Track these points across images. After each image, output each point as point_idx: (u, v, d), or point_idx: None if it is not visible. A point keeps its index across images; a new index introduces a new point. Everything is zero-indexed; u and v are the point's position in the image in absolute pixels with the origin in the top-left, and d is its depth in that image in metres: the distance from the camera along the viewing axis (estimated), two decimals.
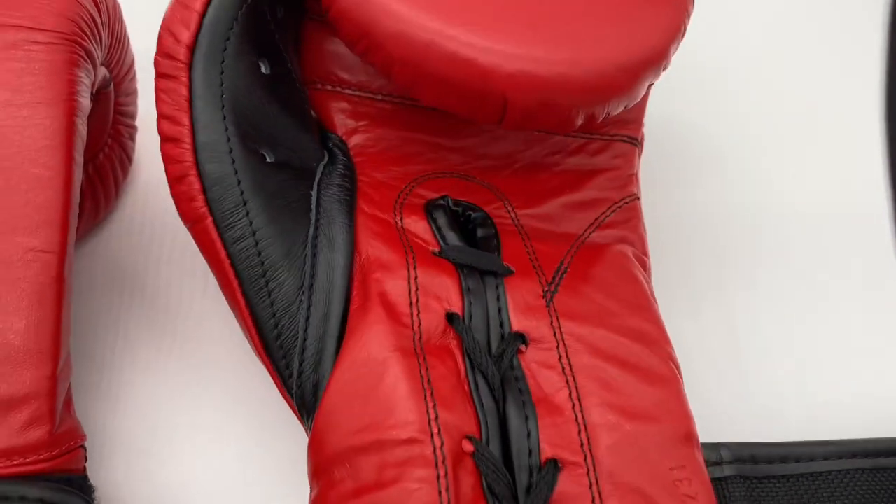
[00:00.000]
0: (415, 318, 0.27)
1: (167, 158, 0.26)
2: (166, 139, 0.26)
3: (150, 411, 0.30)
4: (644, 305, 0.29)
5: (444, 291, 0.27)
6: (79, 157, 0.27)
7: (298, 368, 0.26)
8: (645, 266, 0.32)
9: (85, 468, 0.25)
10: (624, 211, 0.33)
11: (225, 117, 0.26)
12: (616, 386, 0.26)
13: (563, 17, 0.27)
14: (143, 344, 0.32)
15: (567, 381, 0.26)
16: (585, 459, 0.25)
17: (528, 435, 0.25)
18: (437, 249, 0.29)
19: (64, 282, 0.25)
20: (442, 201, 0.30)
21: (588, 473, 0.25)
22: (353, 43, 0.27)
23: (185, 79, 0.26)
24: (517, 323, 0.27)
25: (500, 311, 0.28)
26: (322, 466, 0.25)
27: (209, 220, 0.26)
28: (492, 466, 0.24)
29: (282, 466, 0.30)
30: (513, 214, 0.31)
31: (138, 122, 0.36)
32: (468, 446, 0.24)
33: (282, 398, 0.28)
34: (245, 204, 0.26)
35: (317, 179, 0.29)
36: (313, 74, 0.31)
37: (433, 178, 0.31)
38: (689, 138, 0.41)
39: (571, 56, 0.26)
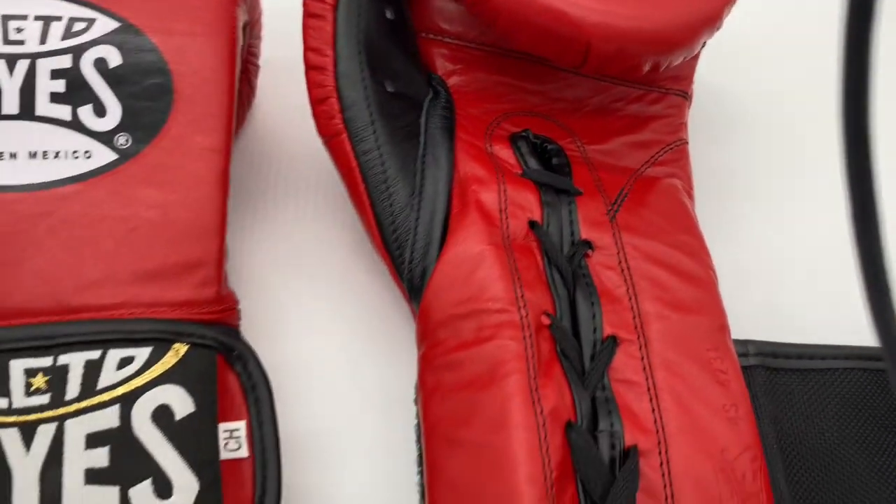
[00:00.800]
0: (504, 222, 0.33)
1: (312, 83, 0.33)
2: (312, 67, 0.33)
3: (269, 294, 0.37)
4: (689, 225, 0.35)
5: (527, 203, 0.34)
6: (236, 80, 0.33)
7: (410, 258, 0.33)
8: (691, 196, 0.38)
9: (239, 324, 0.32)
10: (674, 152, 0.39)
11: (360, 52, 0.33)
12: (664, 285, 0.32)
13: None
14: (264, 240, 0.38)
15: (625, 280, 0.33)
16: (638, 338, 0.31)
17: (593, 317, 0.31)
18: (520, 171, 0.35)
19: (228, 177, 0.32)
20: (524, 134, 0.36)
21: (640, 349, 0.31)
22: None
23: (330, 18, 0.32)
24: (585, 233, 0.34)
25: (571, 223, 0.34)
26: (429, 330, 0.31)
27: (344, 135, 0.33)
28: (565, 335, 0.30)
29: (380, 339, 0.36)
30: (582, 149, 0.37)
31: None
32: (546, 320, 0.31)
33: (382, 285, 0.34)
34: (373, 124, 0.33)
35: (424, 109, 0.35)
36: (421, 25, 0.37)
37: (517, 115, 0.37)
38: (726, 100, 0.47)
39: (644, 13, 0.32)
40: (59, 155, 0.30)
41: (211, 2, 0.32)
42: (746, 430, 0.30)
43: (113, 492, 0.26)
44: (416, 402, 0.32)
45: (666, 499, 0.28)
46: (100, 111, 0.30)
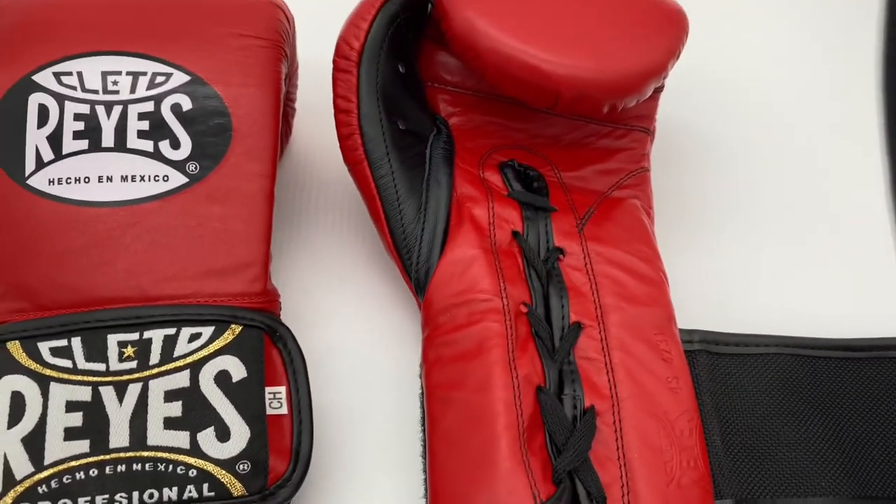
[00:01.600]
0: (492, 232, 0.41)
1: (340, 122, 0.41)
2: (340, 110, 0.41)
3: (303, 291, 0.45)
4: (645, 237, 0.43)
5: (511, 218, 0.42)
6: (279, 120, 0.42)
7: (416, 260, 0.41)
8: (649, 214, 0.46)
9: (280, 313, 0.40)
10: (637, 178, 0.47)
11: (378, 99, 0.41)
12: (621, 283, 0.40)
13: (596, 39, 0.41)
14: (299, 247, 0.47)
15: (589, 278, 0.40)
16: (599, 325, 0.39)
17: (563, 307, 0.39)
18: (506, 192, 0.43)
19: (273, 196, 0.40)
20: (511, 163, 0.45)
21: (600, 333, 0.39)
22: (461, 54, 0.41)
23: (355, 72, 0.41)
24: (558, 241, 0.41)
25: (546, 233, 0.42)
26: (431, 317, 0.39)
27: (365, 163, 0.41)
28: (538, 320, 0.38)
29: (391, 327, 0.44)
30: (558, 175, 0.45)
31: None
32: (524, 308, 0.38)
33: (393, 284, 0.42)
34: (388, 154, 0.41)
35: (429, 143, 0.44)
36: (427, 76, 0.46)
37: (505, 148, 0.45)
38: (689, 134, 0.55)
39: (602, 66, 0.40)
40: (144, 178, 0.38)
41: (260, 60, 0.41)
42: (685, 397, 0.37)
43: (185, 435, 0.34)
44: (420, 375, 0.39)
45: (617, 448, 0.35)
46: (175, 145, 0.39)
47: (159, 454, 0.34)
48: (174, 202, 0.38)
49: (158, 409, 0.34)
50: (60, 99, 0.38)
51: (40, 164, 0.37)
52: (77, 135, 0.38)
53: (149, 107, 0.39)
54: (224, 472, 0.34)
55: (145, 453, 0.34)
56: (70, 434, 0.34)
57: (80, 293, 0.37)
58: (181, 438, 0.34)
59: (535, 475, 0.33)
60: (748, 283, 0.48)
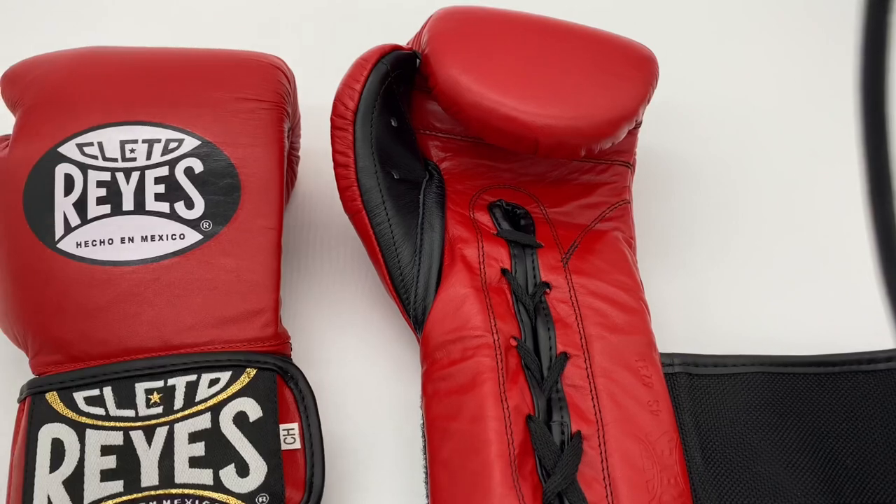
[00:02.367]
0: (482, 271, 0.44)
1: (339, 175, 0.45)
2: (338, 165, 0.45)
3: (312, 330, 0.48)
4: (626, 268, 0.46)
5: (499, 256, 0.45)
6: (285, 175, 0.45)
7: (414, 300, 0.44)
8: (631, 245, 0.49)
9: (291, 353, 0.43)
10: (618, 210, 0.50)
11: (373, 152, 0.44)
12: (604, 313, 0.43)
13: (570, 90, 0.44)
14: (306, 290, 0.50)
15: (574, 310, 0.43)
16: (584, 354, 0.42)
17: (550, 338, 0.42)
18: (495, 231, 0.46)
19: (280, 247, 0.44)
20: (499, 203, 0.48)
21: (585, 361, 0.42)
22: (447, 107, 0.45)
23: (350, 130, 0.44)
24: (544, 276, 0.45)
25: (533, 269, 0.45)
26: (428, 352, 0.42)
27: (363, 212, 0.44)
28: (527, 352, 0.41)
29: (393, 362, 0.47)
30: (544, 211, 0.48)
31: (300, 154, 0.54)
32: (513, 342, 0.42)
33: (394, 322, 0.46)
34: (384, 203, 0.45)
35: (422, 189, 0.47)
36: (418, 124, 0.49)
37: (493, 188, 0.49)
38: (670, 163, 0.58)
39: (577, 114, 0.43)
40: (163, 238, 0.42)
41: (264, 121, 0.45)
42: (666, 419, 0.41)
43: (208, 473, 0.38)
44: (420, 406, 0.43)
45: (603, 469, 0.39)
46: (189, 205, 0.42)
47: (186, 491, 0.37)
48: (190, 258, 0.42)
49: (184, 450, 0.38)
50: (84, 168, 0.42)
51: (68, 229, 0.41)
52: (100, 200, 0.42)
53: (164, 171, 0.43)
54: None
55: (174, 490, 0.37)
56: (106, 476, 0.37)
57: (110, 345, 0.40)
58: (205, 476, 0.38)
59: (525, 499, 0.36)
60: (728, 305, 0.51)
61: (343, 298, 0.50)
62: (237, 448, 0.38)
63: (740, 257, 0.53)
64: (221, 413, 0.39)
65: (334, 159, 0.45)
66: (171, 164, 0.43)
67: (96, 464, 0.37)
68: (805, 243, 0.54)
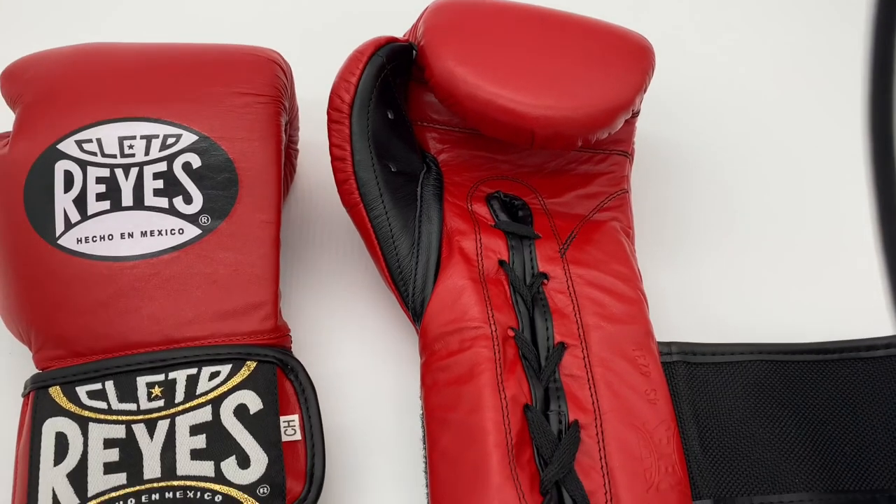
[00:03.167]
0: (480, 262, 0.44)
1: (336, 169, 0.45)
2: (335, 158, 0.45)
3: (312, 323, 0.48)
4: (624, 258, 0.46)
5: (497, 248, 0.45)
6: (282, 169, 0.46)
7: (412, 292, 0.44)
8: (629, 235, 0.49)
9: (291, 346, 0.44)
10: (616, 200, 0.50)
11: (370, 145, 0.45)
12: (602, 303, 0.43)
13: (566, 81, 0.44)
14: (306, 283, 0.50)
15: (572, 300, 0.44)
16: (581, 343, 0.42)
17: (547, 329, 0.42)
18: (493, 223, 0.46)
19: (279, 240, 0.44)
20: (497, 194, 0.48)
21: (582, 351, 0.42)
22: (443, 99, 0.45)
23: (347, 123, 0.44)
24: (542, 267, 0.45)
25: (531, 260, 0.45)
26: (427, 344, 0.42)
27: (361, 205, 0.45)
28: (524, 342, 0.41)
29: (393, 353, 0.48)
30: (542, 202, 0.49)
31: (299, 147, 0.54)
32: (510, 333, 0.42)
33: (393, 314, 0.46)
34: (381, 196, 0.45)
35: (420, 181, 0.47)
36: (415, 116, 0.50)
37: (491, 180, 0.49)
38: (668, 152, 0.58)
39: (572, 104, 0.43)
40: (162, 233, 0.42)
41: (261, 116, 0.45)
42: (663, 408, 0.41)
43: (210, 465, 0.38)
44: (420, 397, 0.43)
45: (600, 458, 0.39)
46: (188, 200, 0.43)
47: (188, 482, 0.38)
48: (189, 252, 0.42)
49: (185, 443, 0.38)
50: (83, 165, 0.42)
51: (68, 226, 0.42)
52: (100, 196, 0.42)
53: (162, 167, 0.43)
54: (246, 496, 0.38)
55: (176, 482, 0.38)
56: (109, 468, 0.38)
57: (111, 340, 0.41)
58: (207, 468, 0.38)
59: (523, 487, 0.37)
60: (725, 294, 0.51)
61: (342, 291, 0.51)
62: (238, 440, 0.39)
63: (738, 246, 0.53)
64: (222, 406, 0.39)
65: (331, 152, 0.45)
66: (170, 159, 0.43)
67: (99, 457, 0.38)
68: (803, 232, 0.54)
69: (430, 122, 0.50)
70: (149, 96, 0.44)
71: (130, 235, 0.42)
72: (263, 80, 0.46)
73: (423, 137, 0.49)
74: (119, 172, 0.43)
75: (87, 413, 0.39)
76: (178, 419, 0.39)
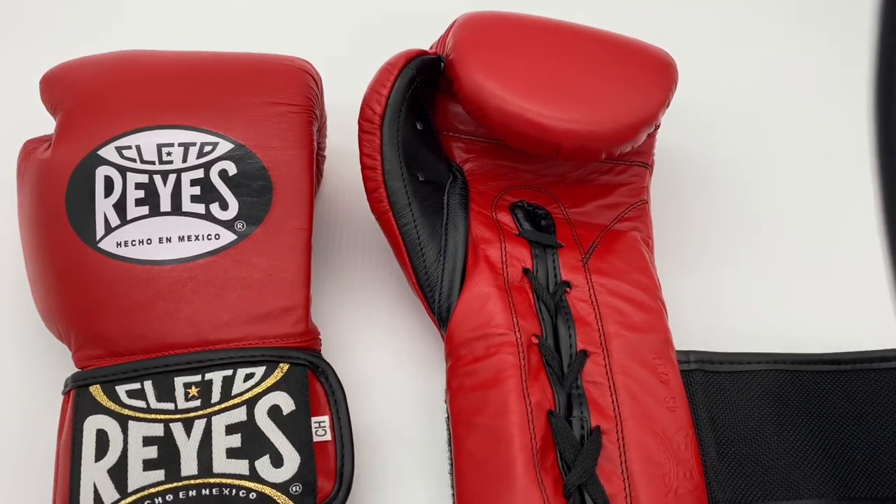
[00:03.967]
0: (504, 270, 0.46)
1: (366, 178, 0.46)
2: (366, 167, 0.46)
3: (337, 325, 0.50)
4: (644, 268, 0.47)
5: (521, 256, 0.46)
6: (314, 177, 0.47)
7: (438, 298, 0.45)
8: (649, 245, 0.50)
9: (321, 349, 0.45)
10: (637, 210, 0.51)
11: (399, 155, 0.46)
12: (623, 312, 0.45)
13: (591, 95, 0.45)
14: (331, 286, 0.52)
15: (594, 309, 0.45)
16: (603, 351, 0.43)
17: (570, 336, 0.44)
18: (517, 232, 0.48)
19: (310, 247, 0.45)
20: (520, 203, 0.49)
21: (604, 359, 0.43)
22: (471, 111, 0.46)
23: (378, 133, 0.46)
24: (565, 275, 0.46)
25: (554, 268, 0.47)
26: (453, 349, 0.44)
27: (390, 213, 0.46)
28: (548, 350, 0.43)
29: (418, 356, 0.49)
30: (564, 212, 0.50)
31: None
32: (534, 340, 0.43)
33: (418, 318, 0.47)
34: (410, 205, 0.46)
35: (446, 190, 0.48)
36: (442, 126, 0.51)
37: (514, 189, 0.50)
38: (688, 164, 0.59)
39: (597, 119, 0.45)
40: (199, 238, 0.44)
41: (293, 125, 0.46)
42: (682, 415, 0.42)
43: (245, 463, 0.40)
44: (445, 400, 0.44)
45: (621, 463, 0.40)
46: (224, 206, 0.44)
47: (224, 480, 0.39)
48: (225, 257, 0.44)
49: (221, 441, 0.40)
50: (123, 170, 0.44)
51: (108, 230, 0.43)
52: (139, 202, 0.43)
53: (199, 174, 0.44)
54: (279, 493, 0.39)
55: (212, 480, 0.39)
56: (148, 465, 0.39)
57: (149, 340, 0.42)
58: (242, 466, 0.39)
59: (547, 491, 0.38)
60: (741, 304, 0.52)
61: (368, 295, 0.52)
62: (272, 440, 0.40)
63: (753, 256, 0.54)
64: (256, 406, 0.41)
65: (362, 162, 0.46)
66: (206, 166, 0.44)
67: (139, 454, 0.39)
68: (818, 242, 0.55)
69: (456, 132, 0.51)
70: (186, 105, 0.46)
71: (168, 240, 0.43)
72: (296, 89, 0.47)
73: (449, 147, 0.51)
74: (157, 179, 0.44)
75: (126, 411, 0.40)
76: (215, 419, 0.40)
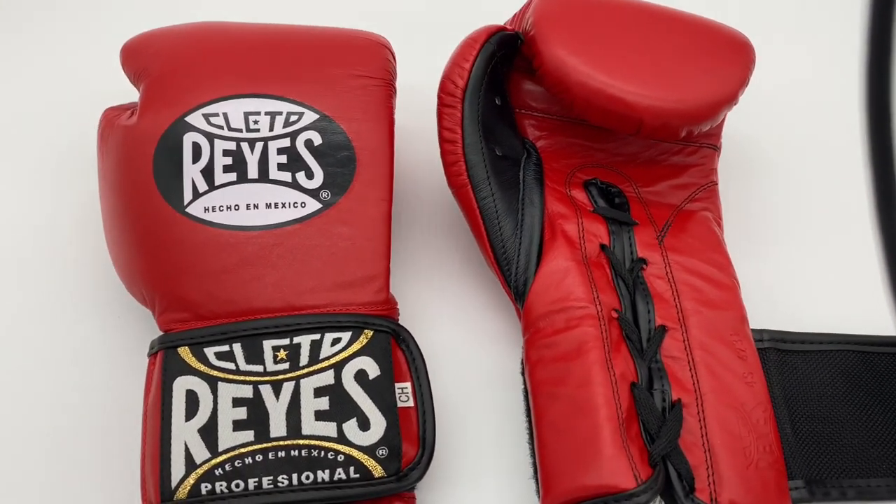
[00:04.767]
0: (582, 246, 0.46)
1: (446, 151, 0.47)
2: (445, 140, 0.47)
3: (412, 297, 0.50)
4: (717, 247, 0.48)
5: (598, 232, 0.47)
6: (394, 149, 0.48)
7: (515, 272, 0.46)
8: (720, 225, 0.50)
9: (399, 319, 0.46)
10: (707, 191, 0.51)
11: (479, 129, 0.46)
12: (699, 289, 0.45)
13: (673, 73, 0.46)
14: (407, 260, 0.52)
15: (671, 286, 0.45)
16: (681, 327, 0.44)
17: (648, 312, 0.44)
18: (592, 209, 0.48)
19: (391, 217, 0.46)
20: (594, 181, 0.50)
21: (682, 334, 0.44)
22: (552, 87, 0.46)
23: (459, 107, 0.46)
24: (641, 252, 0.47)
25: (630, 245, 0.47)
26: (531, 321, 0.44)
27: (469, 187, 0.46)
28: (628, 324, 0.43)
29: (489, 332, 0.50)
30: (637, 191, 0.50)
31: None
32: (614, 314, 0.44)
33: (489, 290, 0.48)
34: (488, 178, 0.47)
35: (522, 166, 0.49)
36: (515, 103, 0.51)
37: (587, 167, 0.51)
38: (753, 147, 0.59)
39: (680, 96, 0.45)
40: (285, 205, 0.44)
41: (375, 97, 0.47)
42: (760, 391, 0.42)
43: (332, 426, 0.40)
44: (522, 372, 0.45)
45: (702, 436, 0.41)
46: (309, 175, 0.45)
47: (312, 442, 0.40)
48: (311, 225, 0.44)
49: (309, 404, 0.41)
50: (210, 137, 0.44)
51: (196, 195, 0.44)
52: (226, 168, 0.44)
53: (286, 142, 0.45)
54: (367, 457, 0.40)
55: (301, 441, 0.40)
56: (237, 426, 0.40)
57: (236, 305, 0.43)
58: (330, 428, 0.40)
59: (634, 459, 0.38)
60: (809, 285, 0.52)
61: (433, 269, 0.53)
62: (359, 403, 0.41)
63: (819, 238, 0.55)
64: (343, 370, 0.41)
65: (441, 135, 0.47)
66: (293, 135, 0.45)
67: (229, 414, 0.40)
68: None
69: (529, 110, 0.51)
70: (272, 75, 0.46)
71: (256, 206, 0.44)
72: (377, 63, 0.48)
73: (522, 124, 0.51)
74: (245, 146, 0.45)
75: (216, 373, 0.41)
76: (303, 381, 0.41)
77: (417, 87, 0.50)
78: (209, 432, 0.40)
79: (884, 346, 0.47)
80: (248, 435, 0.40)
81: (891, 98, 0.25)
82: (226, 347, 0.42)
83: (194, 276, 0.43)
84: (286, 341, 0.42)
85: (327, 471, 0.39)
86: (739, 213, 0.55)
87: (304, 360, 0.41)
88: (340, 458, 0.40)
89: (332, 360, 0.42)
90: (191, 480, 0.39)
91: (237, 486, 0.39)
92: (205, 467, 0.39)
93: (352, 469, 0.40)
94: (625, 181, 0.51)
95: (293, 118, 0.45)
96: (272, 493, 0.39)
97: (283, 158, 0.45)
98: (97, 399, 0.47)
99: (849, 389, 0.45)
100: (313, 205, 0.44)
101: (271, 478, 0.39)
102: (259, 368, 0.41)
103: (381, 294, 0.44)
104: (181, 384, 0.41)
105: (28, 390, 0.47)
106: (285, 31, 0.49)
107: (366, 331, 0.43)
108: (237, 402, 0.40)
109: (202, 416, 0.40)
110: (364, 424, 0.40)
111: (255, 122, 0.45)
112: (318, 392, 0.41)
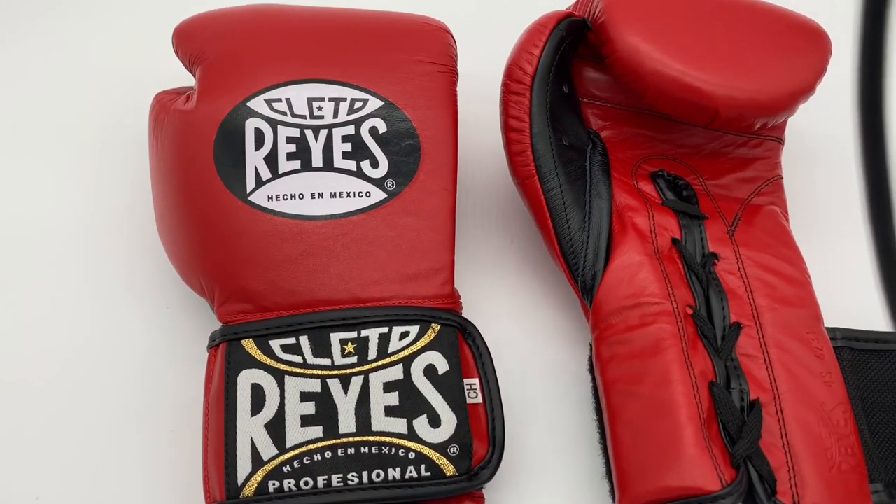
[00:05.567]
0: (654, 239, 0.45)
1: (511, 140, 0.45)
2: (511, 129, 0.45)
3: (470, 289, 0.49)
4: (788, 241, 0.46)
5: (669, 226, 0.45)
6: (458, 138, 0.46)
7: (583, 266, 0.45)
8: (787, 219, 0.49)
9: (462, 313, 0.45)
10: (773, 185, 0.50)
11: (547, 118, 0.45)
12: (772, 285, 0.44)
13: (749, 62, 0.44)
14: (469, 254, 0.51)
15: (744, 282, 0.44)
16: (756, 324, 0.43)
17: (723, 309, 0.43)
18: (661, 201, 0.47)
19: (455, 208, 0.45)
20: (661, 173, 0.48)
21: (757, 332, 0.42)
22: (624, 75, 0.45)
23: (527, 95, 0.45)
24: (712, 247, 0.45)
25: (702, 240, 0.46)
26: (602, 318, 0.43)
27: (536, 177, 0.45)
28: (703, 321, 0.42)
29: (550, 327, 0.49)
30: (703, 184, 0.49)
31: None
32: (689, 311, 0.42)
33: (550, 285, 0.47)
34: (555, 169, 0.45)
35: (588, 156, 0.48)
36: (581, 92, 0.50)
37: (652, 158, 0.49)
38: (816, 141, 0.58)
39: (757, 86, 0.44)
40: (350, 195, 0.43)
41: (439, 84, 0.45)
42: (839, 391, 0.41)
43: (403, 422, 0.39)
44: (590, 370, 0.44)
45: (782, 437, 0.39)
46: (374, 164, 0.43)
47: (383, 439, 0.39)
48: (376, 215, 0.43)
49: (379, 399, 0.39)
50: (273, 123, 0.43)
51: (259, 183, 0.42)
52: (290, 156, 0.43)
53: (350, 130, 0.43)
54: (438, 454, 0.39)
55: (371, 438, 0.39)
56: (306, 421, 0.39)
57: (300, 296, 0.42)
58: (400, 425, 0.39)
59: (717, 460, 0.37)
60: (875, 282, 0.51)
61: (492, 263, 0.51)
62: (429, 399, 0.40)
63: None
64: (412, 365, 0.40)
65: (507, 124, 0.45)
66: (357, 123, 0.44)
67: (296, 409, 0.39)
68: None
69: (592, 99, 0.50)
70: (334, 60, 0.45)
71: (320, 195, 0.43)
72: (440, 49, 0.46)
73: (586, 114, 0.50)
74: (309, 133, 0.43)
75: (282, 366, 0.40)
76: (372, 376, 0.40)
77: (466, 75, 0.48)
78: (276, 428, 0.39)
79: None
80: (317, 431, 0.39)
81: (883, 97, 0.26)
82: (292, 340, 0.41)
83: (257, 266, 0.42)
84: (353, 334, 0.41)
85: (398, 469, 0.38)
86: (801, 206, 0.54)
87: (372, 353, 0.40)
88: (411, 455, 0.39)
89: (401, 355, 0.40)
90: (258, 477, 0.38)
91: (306, 483, 0.38)
92: (272, 464, 0.38)
93: (423, 467, 0.38)
94: (691, 173, 0.49)
95: (357, 105, 0.44)
96: (342, 491, 0.38)
97: (348, 146, 0.43)
98: (146, 390, 0.46)
99: None
100: (378, 194, 0.43)
101: (341, 475, 0.38)
102: (327, 362, 0.40)
103: (446, 287, 0.43)
104: (246, 377, 0.40)
105: (74, 378, 0.46)
106: (344, 14, 0.48)
107: (433, 325, 0.41)
108: (305, 397, 0.39)
109: (269, 411, 0.39)
110: (435, 421, 0.39)
111: (320, 108, 0.44)
112: (388, 387, 0.40)
